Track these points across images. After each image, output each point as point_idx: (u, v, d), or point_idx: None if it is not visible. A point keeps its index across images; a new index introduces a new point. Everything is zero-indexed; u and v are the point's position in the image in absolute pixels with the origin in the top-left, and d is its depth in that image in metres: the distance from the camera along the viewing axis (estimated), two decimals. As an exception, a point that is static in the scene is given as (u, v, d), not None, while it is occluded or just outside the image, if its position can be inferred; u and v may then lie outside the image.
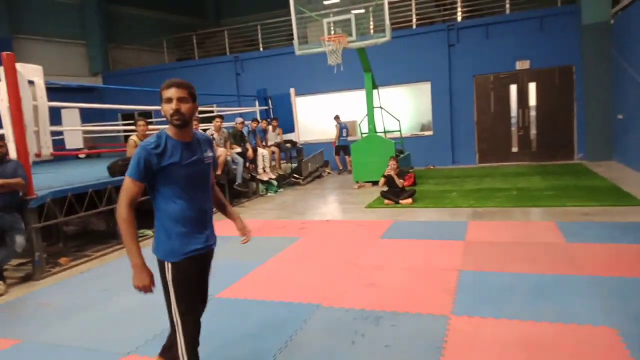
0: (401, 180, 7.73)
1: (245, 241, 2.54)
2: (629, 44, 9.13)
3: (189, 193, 2.11)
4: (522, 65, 11.23)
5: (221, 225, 7.43)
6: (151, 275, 2.11)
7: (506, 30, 11.39)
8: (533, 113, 11.44)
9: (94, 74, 15.34)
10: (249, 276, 4.39)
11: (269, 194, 9.24)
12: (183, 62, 15.50)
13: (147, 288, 2.10)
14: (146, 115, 12.43)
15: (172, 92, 2.04)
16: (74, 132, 8.71)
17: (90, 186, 5.62)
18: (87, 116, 11.98)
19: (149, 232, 6.33)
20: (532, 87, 11.34)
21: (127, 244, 2.06)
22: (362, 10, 8.79)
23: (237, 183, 8.21)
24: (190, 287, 2.15)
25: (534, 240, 4.84)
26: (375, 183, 9.23)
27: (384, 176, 7.62)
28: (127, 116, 14.23)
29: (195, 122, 8.24)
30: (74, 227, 7.00)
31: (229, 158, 7.98)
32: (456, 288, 3.70)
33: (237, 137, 8.83)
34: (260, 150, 9.14)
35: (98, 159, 10.64)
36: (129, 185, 2.04)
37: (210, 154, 2.25)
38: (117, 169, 6.19)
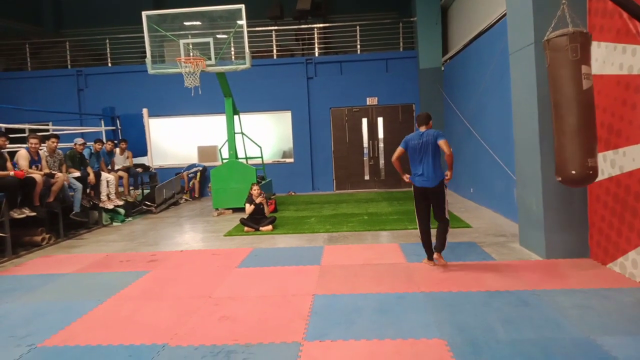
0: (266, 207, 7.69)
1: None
2: (453, 87, 10.75)
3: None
4: (371, 101, 12.35)
5: (47, 261, 6.39)
6: None
7: (357, 68, 12.46)
8: (382, 145, 12.59)
9: None
10: (83, 319, 3.82)
11: (114, 224, 8.35)
12: (12, 72, 13.44)
13: None
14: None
15: None
16: None
17: None
18: None
19: None
20: (380, 121, 12.51)
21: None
22: (225, 36, 8.71)
23: (74, 212, 7.23)
24: None
25: (381, 262, 5.19)
26: (235, 210, 9.03)
27: (254, 204, 7.43)
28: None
29: (54, 140, 7.18)
30: None
31: (65, 183, 7.02)
32: (310, 313, 3.73)
33: (75, 160, 7.84)
34: (105, 175, 8.24)
35: None
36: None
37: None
38: None
